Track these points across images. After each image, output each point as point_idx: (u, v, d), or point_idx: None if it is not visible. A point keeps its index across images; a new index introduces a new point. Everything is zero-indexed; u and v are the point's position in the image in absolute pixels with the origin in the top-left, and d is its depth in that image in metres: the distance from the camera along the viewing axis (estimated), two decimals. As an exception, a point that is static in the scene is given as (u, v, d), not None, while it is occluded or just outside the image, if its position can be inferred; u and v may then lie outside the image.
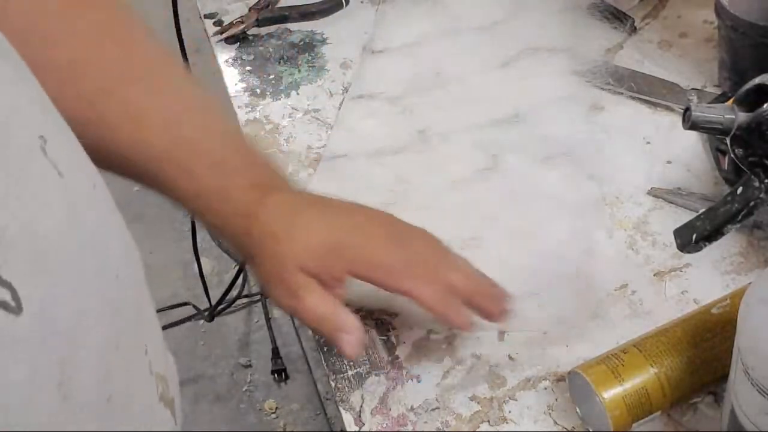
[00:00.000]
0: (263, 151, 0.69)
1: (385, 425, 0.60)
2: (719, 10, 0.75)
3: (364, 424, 0.60)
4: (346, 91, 0.85)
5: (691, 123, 0.61)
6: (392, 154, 0.74)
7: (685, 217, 0.65)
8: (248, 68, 0.89)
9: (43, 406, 0.35)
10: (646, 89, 0.80)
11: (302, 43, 0.91)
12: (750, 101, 0.59)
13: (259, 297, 1.82)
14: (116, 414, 0.42)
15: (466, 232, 0.70)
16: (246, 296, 1.83)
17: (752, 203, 0.58)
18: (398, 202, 0.72)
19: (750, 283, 0.49)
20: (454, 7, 0.91)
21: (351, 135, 0.75)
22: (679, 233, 0.62)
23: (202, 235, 1.87)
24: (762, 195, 0.58)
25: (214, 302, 1.65)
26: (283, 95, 0.86)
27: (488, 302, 0.61)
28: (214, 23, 0.94)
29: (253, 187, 0.61)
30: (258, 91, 0.87)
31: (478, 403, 0.61)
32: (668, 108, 0.79)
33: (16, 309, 0.33)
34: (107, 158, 0.55)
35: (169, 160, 0.60)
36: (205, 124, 0.63)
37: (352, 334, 0.58)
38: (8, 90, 0.36)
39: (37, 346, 0.35)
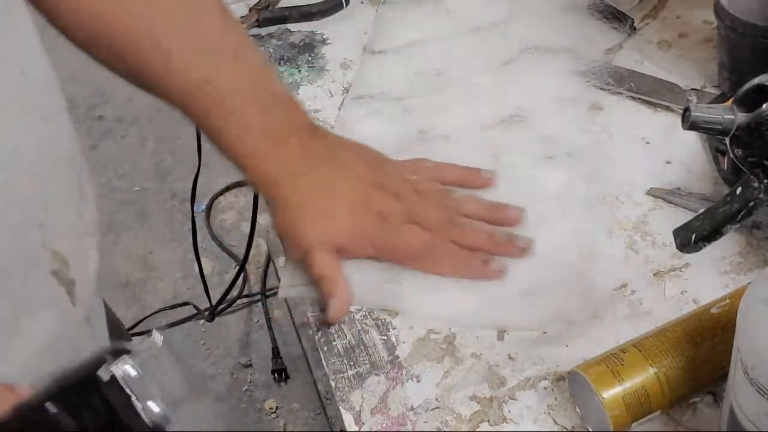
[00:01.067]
0: (286, 94, 0.71)
1: (385, 425, 0.60)
2: (719, 11, 0.75)
3: (364, 424, 0.60)
4: (347, 92, 0.85)
5: (690, 123, 0.61)
6: (393, 154, 0.73)
7: (684, 217, 0.65)
8: (248, 68, 0.89)
9: None
10: (645, 89, 0.80)
11: (302, 43, 0.91)
12: (749, 101, 0.60)
13: (259, 297, 1.82)
14: None
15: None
16: (246, 296, 1.83)
17: (752, 203, 0.58)
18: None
19: (749, 283, 0.49)
20: (454, 7, 0.91)
21: (351, 135, 0.75)
22: (678, 233, 0.62)
23: (202, 235, 1.88)
24: (761, 195, 0.58)
25: (214, 302, 1.65)
26: (283, 95, 0.86)
27: (509, 247, 0.67)
28: (215, 23, 0.94)
29: (265, 135, 0.67)
30: (258, 91, 0.87)
31: (478, 402, 0.61)
32: (668, 108, 0.79)
33: None
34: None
35: (194, 98, 0.66)
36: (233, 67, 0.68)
37: (342, 301, 0.65)
38: None
39: None
